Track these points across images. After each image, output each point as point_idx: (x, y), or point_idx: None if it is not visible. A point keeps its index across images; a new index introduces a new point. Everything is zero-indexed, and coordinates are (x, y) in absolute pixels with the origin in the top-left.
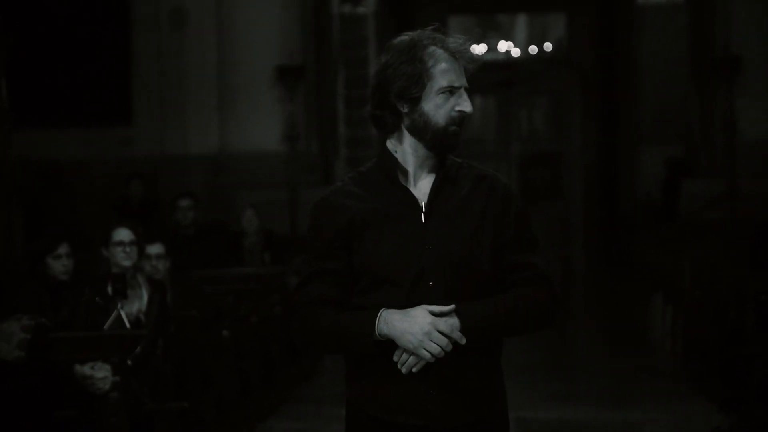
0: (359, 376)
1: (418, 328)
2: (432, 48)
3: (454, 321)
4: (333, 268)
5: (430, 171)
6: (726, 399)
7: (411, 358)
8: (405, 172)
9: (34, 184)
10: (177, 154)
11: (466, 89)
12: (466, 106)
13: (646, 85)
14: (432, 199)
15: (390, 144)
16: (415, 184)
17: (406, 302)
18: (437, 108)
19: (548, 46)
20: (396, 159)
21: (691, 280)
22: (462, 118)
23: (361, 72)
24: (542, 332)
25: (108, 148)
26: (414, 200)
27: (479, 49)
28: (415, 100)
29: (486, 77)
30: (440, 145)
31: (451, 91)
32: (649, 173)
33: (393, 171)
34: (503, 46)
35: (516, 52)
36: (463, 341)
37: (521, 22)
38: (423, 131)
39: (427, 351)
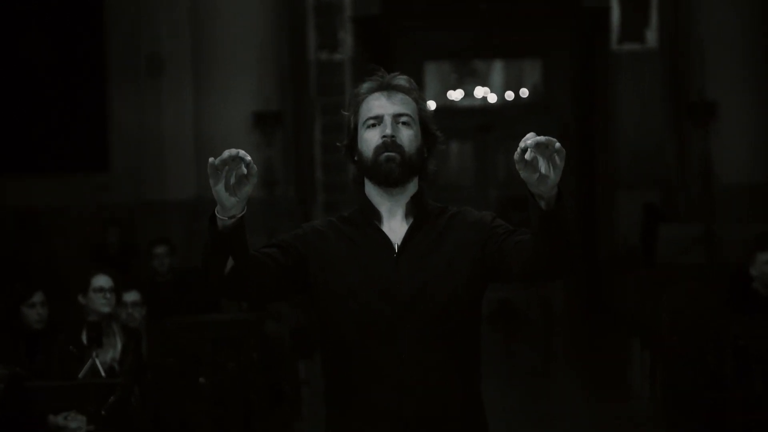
0: (339, 421)
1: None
2: (361, 92)
3: None
4: (278, 245)
5: (407, 214)
6: None
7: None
8: (379, 215)
9: (9, 231)
10: (154, 200)
11: (397, 116)
12: (386, 130)
13: (622, 130)
14: (407, 240)
15: (365, 189)
16: (390, 227)
17: (383, 340)
18: (365, 143)
19: (524, 92)
20: (371, 202)
21: (669, 325)
22: (391, 144)
23: (338, 118)
24: (522, 377)
25: (85, 195)
26: (387, 240)
27: (456, 95)
28: (354, 145)
29: (463, 123)
30: (377, 177)
31: (374, 121)
32: (626, 218)
33: (368, 213)
34: (480, 92)
35: (493, 98)
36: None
37: (498, 68)
38: (364, 170)
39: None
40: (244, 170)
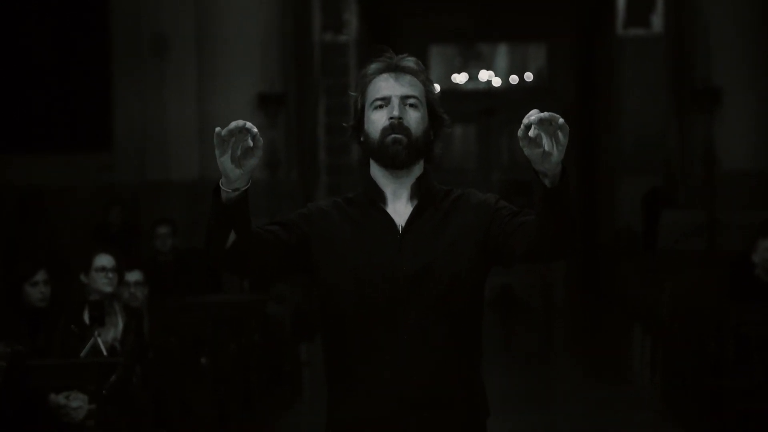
0: (340, 403)
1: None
2: (368, 72)
3: None
4: (282, 223)
5: (412, 196)
6: (705, 430)
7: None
8: (383, 197)
9: (12, 210)
10: (157, 180)
11: (405, 98)
12: (393, 111)
13: (625, 115)
14: (411, 221)
15: (371, 171)
16: (395, 209)
17: (385, 321)
18: (372, 124)
19: (529, 76)
20: (376, 184)
21: (670, 311)
22: (398, 126)
23: (342, 99)
24: (523, 362)
25: (88, 174)
26: (392, 222)
27: (460, 78)
28: (360, 125)
29: (467, 106)
30: (383, 159)
31: (382, 102)
32: (628, 203)
33: (372, 195)
34: (484, 75)
35: (497, 82)
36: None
37: (502, 51)
38: (370, 151)
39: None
40: (250, 142)
